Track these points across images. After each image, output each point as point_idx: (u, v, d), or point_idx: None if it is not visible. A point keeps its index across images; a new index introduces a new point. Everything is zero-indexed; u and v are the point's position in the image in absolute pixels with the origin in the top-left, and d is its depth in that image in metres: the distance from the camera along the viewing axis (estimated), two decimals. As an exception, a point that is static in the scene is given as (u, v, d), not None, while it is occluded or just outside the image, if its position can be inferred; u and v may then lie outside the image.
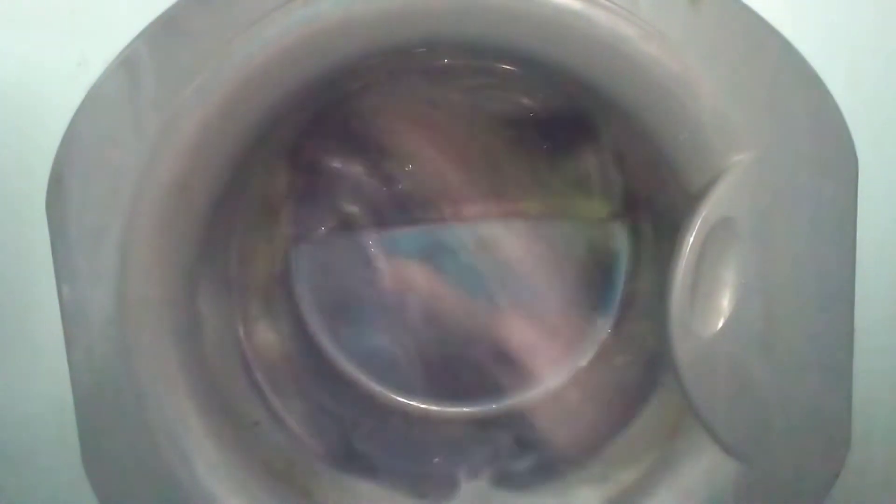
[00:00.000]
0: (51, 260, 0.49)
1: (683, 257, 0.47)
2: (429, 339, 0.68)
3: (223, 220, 0.55)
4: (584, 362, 0.67)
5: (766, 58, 0.46)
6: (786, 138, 0.46)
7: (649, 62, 0.45)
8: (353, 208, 0.67)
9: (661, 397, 0.58)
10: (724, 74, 0.46)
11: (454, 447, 0.65)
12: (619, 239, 0.67)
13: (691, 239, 0.47)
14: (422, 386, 0.68)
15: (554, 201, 0.67)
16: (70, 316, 0.49)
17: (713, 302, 0.47)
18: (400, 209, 0.67)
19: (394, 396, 0.68)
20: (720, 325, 0.47)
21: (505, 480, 0.60)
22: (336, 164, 0.66)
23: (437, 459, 0.63)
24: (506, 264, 0.68)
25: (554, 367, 0.68)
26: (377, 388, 0.68)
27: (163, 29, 0.46)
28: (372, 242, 0.68)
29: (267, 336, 0.64)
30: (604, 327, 0.67)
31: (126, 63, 0.47)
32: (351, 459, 0.62)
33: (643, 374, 0.61)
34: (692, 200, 0.47)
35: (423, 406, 0.68)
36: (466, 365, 0.68)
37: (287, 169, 0.65)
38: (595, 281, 0.68)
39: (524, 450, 0.64)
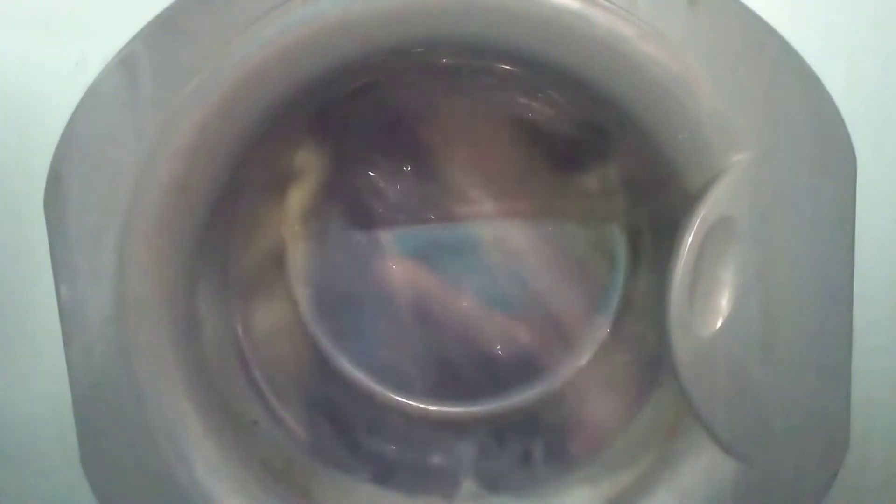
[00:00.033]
0: (49, 259, 0.49)
1: (682, 257, 0.47)
2: (428, 339, 0.68)
3: (222, 219, 0.55)
4: (583, 362, 0.67)
5: (764, 58, 0.46)
6: (784, 138, 0.46)
7: (648, 62, 0.45)
8: (352, 208, 0.67)
9: (660, 397, 0.58)
10: (723, 74, 0.46)
11: (453, 447, 0.65)
12: (619, 238, 0.67)
13: (690, 238, 0.47)
14: (421, 385, 0.68)
15: (553, 201, 0.67)
16: (68, 315, 0.49)
17: (712, 301, 0.47)
18: (399, 209, 0.67)
19: (393, 396, 0.68)
20: (719, 324, 0.47)
21: (504, 480, 0.60)
22: (335, 163, 0.66)
23: (436, 459, 0.63)
24: (505, 264, 0.68)
25: (553, 367, 0.68)
26: (376, 387, 0.68)
27: (161, 28, 0.46)
28: (372, 242, 0.68)
29: (266, 335, 0.64)
30: (603, 327, 0.67)
31: (125, 62, 0.47)
32: (350, 459, 0.62)
33: (642, 374, 0.61)
34: (691, 200, 0.47)
35: (421, 406, 0.68)
36: (466, 364, 0.68)
37: (286, 168, 0.65)
38: (594, 280, 0.68)
39: (524, 449, 0.64)
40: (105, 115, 0.47)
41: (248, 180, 0.58)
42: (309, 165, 0.65)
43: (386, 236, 0.67)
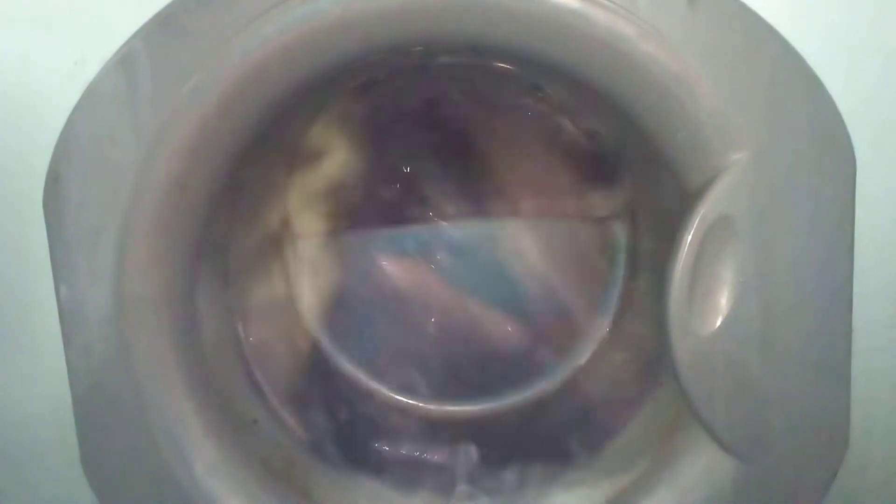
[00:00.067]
0: (48, 259, 0.49)
1: (682, 256, 0.47)
2: (428, 338, 0.68)
3: (221, 218, 0.55)
4: (582, 361, 0.67)
5: (764, 57, 0.46)
6: (784, 137, 0.46)
7: (648, 61, 0.45)
8: (352, 207, 0.67)
9: (659, 396, 0.58)
10: (723, 73, 0.46)
11: (453, 446, 0.65)
12: (618, 238, 0.67)
13: (690, 238, 0.47)
14: (421, 384, 0.68)
15: (552, 200, 0.67)
16: (68, 315, 0.49)
17: (712, 301, 0.47)
18: (399, 208, 0.67)
19: (393, 395, 0.68)
20: (719, 323, 0.47)
21: (504, 479, 0.60)
22: (335, 162, 0.66)
23: (435, 458, 0.63)
24: (505, 263, 0.68)
25: (553, 366, 0.68)
26: (376, 386, 0.68)
27: (160, 27, 0.46)
28: (372, 241, 0.68)
29: (266, 334, 0.64)
30: (603, 326, 0.67)
31: (123, 61, 0.47)
32: (350, 458, 0.62)
33: (642, 373, 0.61)
34: (691, 199, 0.47)
35: (421, 405, 0.68)
36: (466, 364, 0.68)
37: (286, 167, 0.65)
38: (594, 280, 0.68)
39: (523, 449, 0.64)
40: (104, 114, 0.47)
41: (248, 179, 0.58)
42: (308, 164, 0.65)
43: (386, 235, 0.67)
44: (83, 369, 0.50)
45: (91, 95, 0.47)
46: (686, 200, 0.48)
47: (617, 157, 0.65)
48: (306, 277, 0.68)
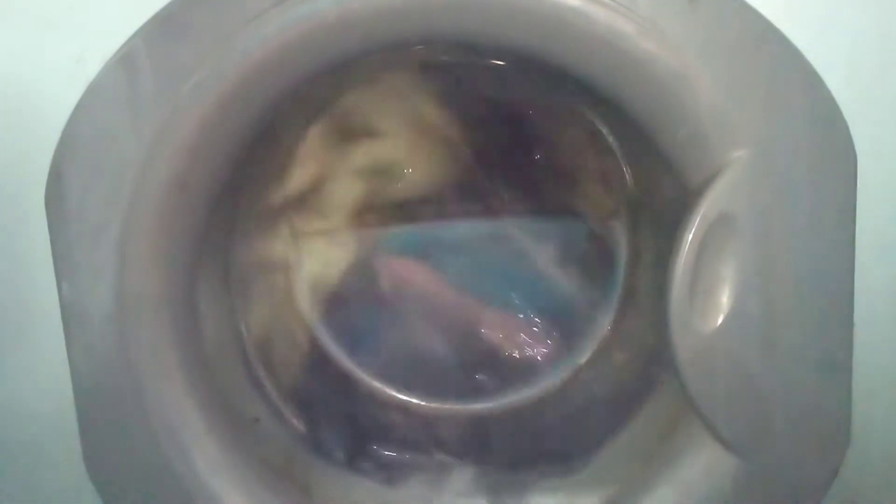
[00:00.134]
0: (50, 257, 0.49)
1: (683, 254, 0.47)
2: (428, 337, 0.68)
3: (223, 216, 0.55)
4: (583, 359, 0.67)
5: (764, 54, 0.46)
6: (784, 134, 0.46)
7: (648, 59, 0.45)
8: (352, 206, 0.67)
9: (660, 394, 0.58)
10: (723, 71, 0.46)
11: (454, 445, 0.65)
12: (619, 235, 0.67)
13: (690, 235, 0.47)
14: (421, 383, 0.68)
15: (553, 198, 0.67)
16: (70, 313, 0.50)
17: (713, 298, 0.47)
18: (399, 207, 0.67)
19: (393, 393, 0.68)
20: (720, 321, 0.47)
21: (504, 478, 0.60)
22: (335, 161, 0.66)
23: (436, 456, 0.63)
24: (505, 262, 0.68)
25: (554, 365, 0.68)
26: (377, 385, 0.68)
27: (161, 26, 0.46)
28: (372, 240, 0.68)
29: (267, 333, 0.64)
30: (603, 324, 0.67)
31: (124, 60, 0.47)
32: (350, 456, 0.62)
33: (643, 371, 0.61)
34: (691, 197, 0.47)
35: (422, 403, 0.68)
36: (467, 362, 0.68)
37: (286, 166, 0.65)
38: (595, 278, 0.68)
39: (523, 447, 0.64)
40: (105, 112, 0.47)
41: (249, 177, 0.58)
42: (308, 162, 0.65)
43: (386, 234, 0.67)
44: (85, 367, 0.50)
45: (92, 94, 0.47)
46: (687, 198, 0.48)
47: (618, 155, 0.65)
48: (307, 276, 0.68)
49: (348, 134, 0.65)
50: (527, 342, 0.68)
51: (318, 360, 0.68)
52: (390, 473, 0.61)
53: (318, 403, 0.65)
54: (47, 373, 0.51)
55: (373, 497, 0.59)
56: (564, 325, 0.68)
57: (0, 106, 0.48)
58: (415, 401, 0.68)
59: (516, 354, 0.68)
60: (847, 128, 0.46)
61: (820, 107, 0.46)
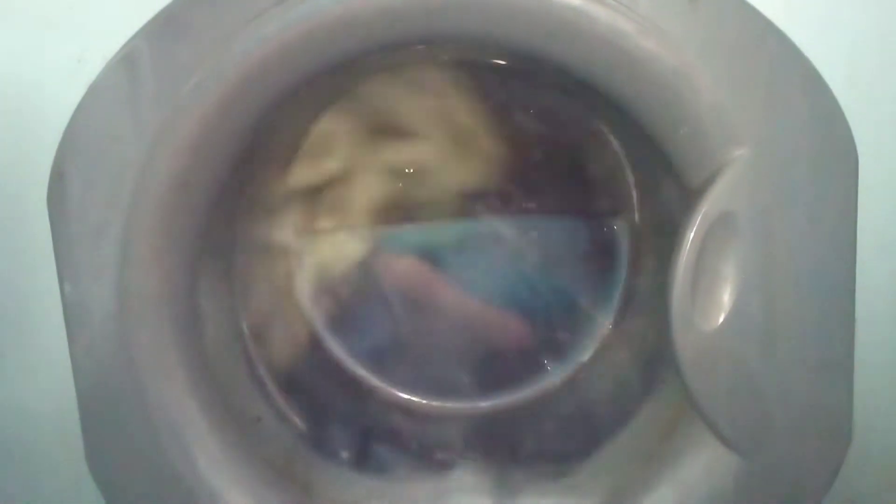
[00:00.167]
0: (52, 256, 0.49)
1: (684, 253, 0.47)
2: (430, 336, 0.68)
3: (224, 215, 0.55)
4: (585, 358, 0.67)
5: (764, 53, 0.46)
6: (785, 133, 0.46)
7: (648, 57, 0.45)
8: (353, 205, 0.67)
9: (661, 392, 0.58)
10: (723, 69, 0.46)
11: (455, 443, 0.65)
12: (620, 234, 0.67)
13: (692, 234, 0.47)
14: (423, 382, 0.68)
15: (554, 197, 0.67)
16: (72, 312, 0.50)
17: (714, 297, 0.47)
18: (400, 206, 0.67)
19: (395, 392, 0.68)
20: (721, 319, 0.47)
21: (505, 477, 0.60)
22: (336, 160, 0.66)
23: (437, 455, 0.63)
24: (506, 260, 0.68)
25: (555, 364, 0.68)
26: (378, 383, 0.68)
27: (162, 26, 0.47)
28: (373, 238, 0.68)
29: (269, 332, 0.64)
30: (605, 323, 0.67)
31: (126, 60, 0.47)
32: (352, 455, 0.62)
33: (644, 370, 0.61)
34: (692, 196, 0.47)
35: (423, 402, 0.68)
36: (469, 361, 0.68)
37: (287, 165, 0.65)
38: (596, 276, 0.68)
39: (525, 446, 0.64)
40: (107, 112, 0.47)
41: (250, 176, 0.58)
42: (309, 161, 0.65)
43: (387, 233, 0.67)
44: (87, 366, 0.50)
45: (94, 94, 0.47)
46: (688, 197, 0.48)
47: (619, 154, 0.65)
48: (309, 274, 0.68)
49: (378, 132, 0.64)
50: (527, 341, 0.68)
51: (320, 359, 0.68)
52: (391, 472, 0.61)
53: (319, 402, 0.65)
54: (49, 372, 0.51)
55: (373, 496, 0.59)
56: (565, 324, 0.68)
57: (1, 106, 0.48)
58: (416, 400, 0.68)
59: (517, 354, 0.68)
60: (848, 126, 0.46)
61: (821, 105, 0.46)
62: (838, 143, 0.46)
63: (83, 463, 0.52)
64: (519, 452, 0.63)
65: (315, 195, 0.66)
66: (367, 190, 0.65)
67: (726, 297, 0.47)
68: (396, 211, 0.67)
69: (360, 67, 0.55)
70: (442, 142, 0.65)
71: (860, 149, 0.46)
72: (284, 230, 0.66)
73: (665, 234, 0.52)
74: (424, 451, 0.64)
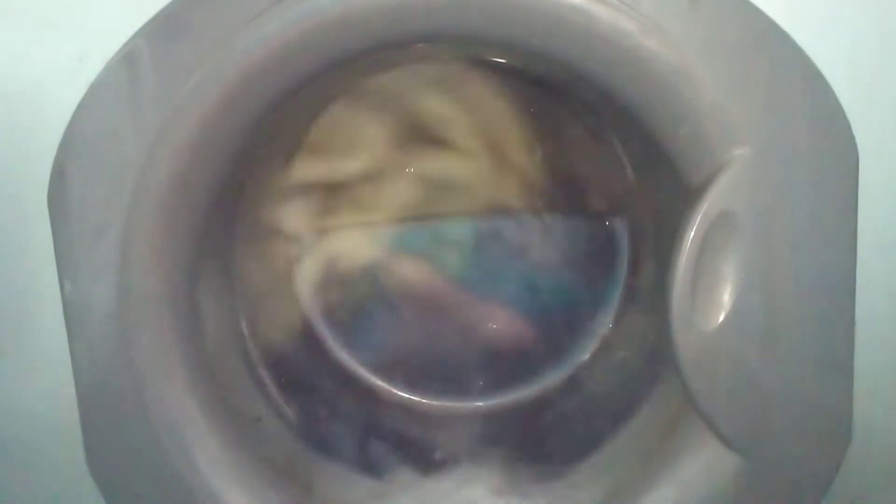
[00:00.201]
0: (53, 256, 0.49)
1: (684, 252, 0.47)
2: (430, 335, 0.68)
3: (224, 215, 0.55)
4: (584, 357, 0.67)
5: (765, 52, 0.46)
6: (786, 132, 0.46)
7: (649, 56, 0.45)
8: (354, 204, 0.67)
9: (661, 391, 0.58)
10: (724, 68, 0.46)
11: (455, 443, 0.65)
12: (620, 233, 0.67)
13: (692, 233, 0.47)
14: (423, 382, 0.68)
15: (554, 196, 0.67)
16: (72, 311, 0.50)
17: (714, 296, 0.47)
18: (400, 205, 0.67)
19: (395, 392, 0.68)
20: (721, 319, 0.47)
21: (506, 476, 0.60)
22: (336, 159, 0.66)
23: (437, 454, 0.63)
24: (506, 259, 0.68)
25: (555, 362, 0.68)
26: (379, 383, 0.68)
27: (163, 25, 0.46)
28: (374, 237, 0.68)
29: (269, 332, 0.64)
30: (605, 322, 0.67)
31: (126, 59, 0.47)
32: (353, 455, 0.62)
33: (644, 369, 0.61)
34: (693, 195, 0.47)
35: (424, 401, 0.68)
36: (469, 360, 0.69)
37: (288, 164, 0.65)
38: (596, 275, 0.68)
39: (525, 445, 0.64)
40: (107, 111, 0.47)
41: (251, 176, 0.58)
42: (310, 160, 0.65)
43: (388, 232, 0.67)
44: (88, 366, 0.50)
45: (94, 93, 0.47)
46: (688, 196, 0.48)
47: (619, 153, 0.65)
48: (309, 274, 0.68)
49: (415, 138, 0.64)
50: (528, 340, 0.68)
51: (321, 359, 0.68)
52: (391, 472, 0.61)
53: (319, 402, 0.65)
54: (50, 372, 0.51)
55: (374, 496, 0.59)
56: (566, 323, 0.68)
57: (1, 106, 0.48)
58: (416, 399, 0.68)
59: (517, 353, 0.68)
60: (849, 126, 0.46)
61: (821, 105, 0.46)
62: (839, 142, 0.46)
63: (83, 463, 0.52)
64: (519, 452, 0.63)
65: (324, 192, 0.66)
66: (392, 193, 0.65)
67: (726, 297, 0.47)
68: (415, 216, 0.67)
69: (362, 65, 0.55)
70: (478, 154, 0.64)
71: (861, 148, 0.46)
72: (287, 227, 0.66)
73: (665, 234, 0.52)
74: (425, 450, 0.64)
